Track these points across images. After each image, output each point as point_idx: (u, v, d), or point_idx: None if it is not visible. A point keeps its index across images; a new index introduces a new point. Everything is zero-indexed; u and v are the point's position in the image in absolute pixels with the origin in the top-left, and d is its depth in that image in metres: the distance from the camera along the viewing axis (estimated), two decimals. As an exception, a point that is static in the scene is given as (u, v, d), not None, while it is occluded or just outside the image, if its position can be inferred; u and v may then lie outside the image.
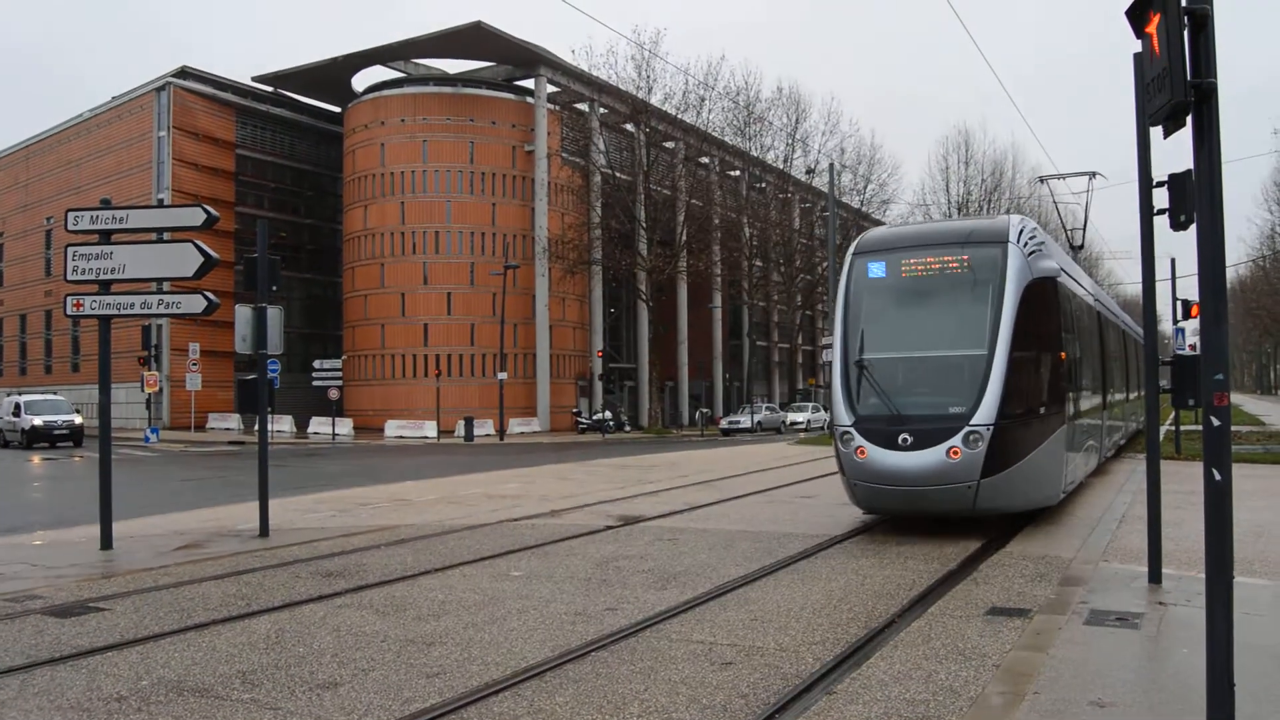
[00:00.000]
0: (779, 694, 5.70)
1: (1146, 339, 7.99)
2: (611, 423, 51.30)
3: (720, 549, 10.86)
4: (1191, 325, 19.63)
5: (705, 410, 60.04)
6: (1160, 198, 8.28)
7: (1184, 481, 16.95)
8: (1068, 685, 5.69)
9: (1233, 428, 31.81)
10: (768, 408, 57.27)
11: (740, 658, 6.50)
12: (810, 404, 59.92)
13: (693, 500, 15.87)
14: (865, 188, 63.60)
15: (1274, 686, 5.62)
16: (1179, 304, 18.52)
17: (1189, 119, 4.15)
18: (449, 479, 21.22)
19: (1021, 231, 11.98)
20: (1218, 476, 4.04)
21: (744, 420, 52.91)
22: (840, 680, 5.94)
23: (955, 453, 10.87)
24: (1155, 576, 8.18)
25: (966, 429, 10.87)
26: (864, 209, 65.32)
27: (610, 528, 12.72)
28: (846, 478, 11.94)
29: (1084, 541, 10.65)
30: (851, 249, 12.97)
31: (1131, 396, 22.15)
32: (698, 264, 56.96)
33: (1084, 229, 19.69)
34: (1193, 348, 20.07)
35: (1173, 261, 22.52)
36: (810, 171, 60.60)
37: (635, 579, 9.22)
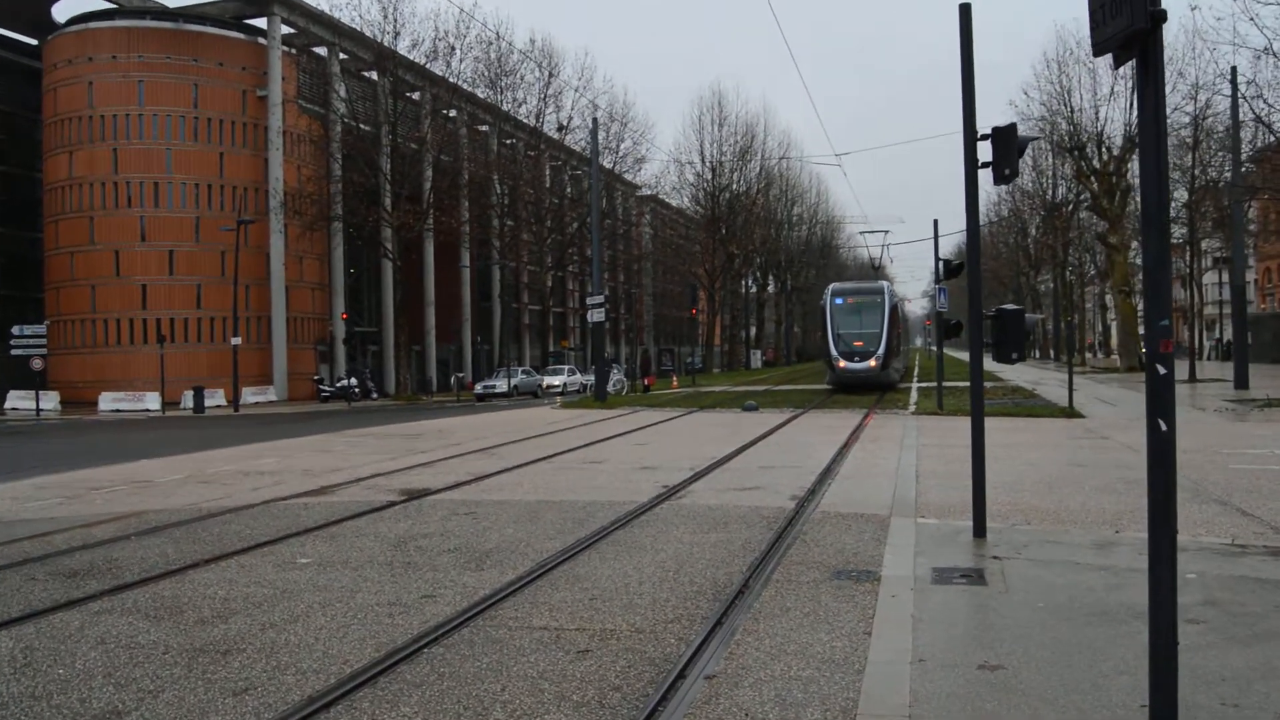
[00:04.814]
0: (654, 683, 5.17)
1: (972, 297, 7.97)
2: (357, 390, 48.80)
3: (526, 522, 10.18)
4: (947, 285, 20.75)
5: (460, 375, 58.43)
6: (984, 151, 8.32)
7: (950, 435, 17.90)
8: (946, 649, 5.51)
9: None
10: (523, 371, 56.36)
11: (595, 644, 5.90)
12: (566, 366, 59.30)
13: (476, 470, 15.00)
14: (619, 146, 63.45)
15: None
16: (941, 264, 19.46)
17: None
18: (191, 455, 19.15)
19: (889, 286, 37.20)
20: (1163, 427, 3.81)
21: (500, 384, 51.72)
22: (715, 662, 5.48)
23: (873, 364, 32.93)
24: (980, 531, 8.30)
25: (874, 356, 32.94)
26: (616, 169, 65.28)
27: (395, 503, 11.72)
28: (834, 373, 34.04)
29: (892, 499, 10.79)
30: (829, 291, 36.23)
31: (910, 347, 55.31)
32: (447, 222, 54.72)
33: (881, 261, 48.54)
34: (941, 310, 21.24)
35: (935, 223, 23.76)
36: (563, 128, 59.77)
37: (443, 560, 8.41)
